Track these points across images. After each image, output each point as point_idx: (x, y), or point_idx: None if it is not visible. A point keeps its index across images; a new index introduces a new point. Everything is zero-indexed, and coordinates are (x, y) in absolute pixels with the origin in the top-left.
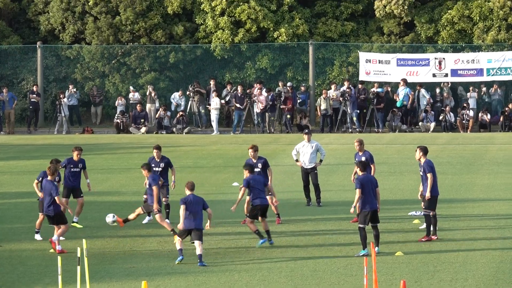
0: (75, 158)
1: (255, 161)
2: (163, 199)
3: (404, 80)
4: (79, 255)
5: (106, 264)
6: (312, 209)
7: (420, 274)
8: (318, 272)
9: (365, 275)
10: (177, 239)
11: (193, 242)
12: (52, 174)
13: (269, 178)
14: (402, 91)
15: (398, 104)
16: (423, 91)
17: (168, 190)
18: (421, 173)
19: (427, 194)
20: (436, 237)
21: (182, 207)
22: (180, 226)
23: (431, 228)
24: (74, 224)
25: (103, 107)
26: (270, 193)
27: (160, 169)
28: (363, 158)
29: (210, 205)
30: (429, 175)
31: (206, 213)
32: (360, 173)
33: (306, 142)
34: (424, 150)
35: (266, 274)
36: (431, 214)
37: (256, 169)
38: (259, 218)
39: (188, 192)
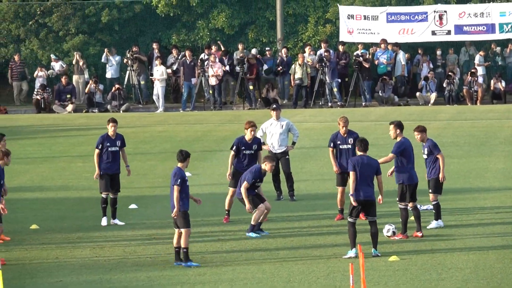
0: None
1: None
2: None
3: (384, 41)
4: None
5: (26, 279)
6: (284, 204)
7: (421, 284)
8: (293, 283)
9: (351, 286)
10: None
11: None
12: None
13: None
14: (383, 54)
15: (379, 71)
16: (400, 54)
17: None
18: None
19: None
20: (421, 234)
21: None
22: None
23: (416, 223)
24: None
25: (29, 81)
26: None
27: (117, 148)
28: (350, 140)
29: (156, 201)
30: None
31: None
32: (358, 153)
33: (275, 120)
34: (399, 126)
35: None
36: (402, 205)
37: (249, 151)
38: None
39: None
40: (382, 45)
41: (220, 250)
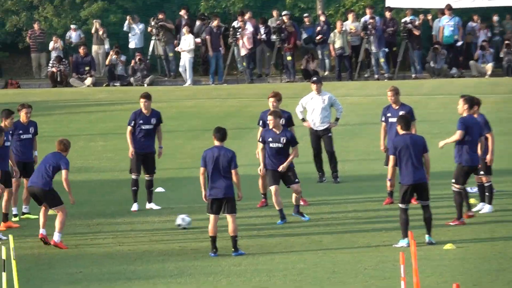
0: (23, 119)
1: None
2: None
3: (449, 7)
4: (4, 257)
5: (43, 269)
6: (327, 187)
7: (480, 275)
8: (338, 274)
9: (402, 278)
10: None
11: None
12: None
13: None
14: (448, 22)
15: (444, 41)
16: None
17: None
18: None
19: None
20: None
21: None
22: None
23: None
24: (26, 215)
25: (47, 52)
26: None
27: (151, 126)
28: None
29: (184, 184)
30: (458, 132)
31: None
32: (400, 132)
33: (316, 94)
34: (468, 101)
35: (265, 279)
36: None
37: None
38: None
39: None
40: (447, 12)
41: (257, 237)
